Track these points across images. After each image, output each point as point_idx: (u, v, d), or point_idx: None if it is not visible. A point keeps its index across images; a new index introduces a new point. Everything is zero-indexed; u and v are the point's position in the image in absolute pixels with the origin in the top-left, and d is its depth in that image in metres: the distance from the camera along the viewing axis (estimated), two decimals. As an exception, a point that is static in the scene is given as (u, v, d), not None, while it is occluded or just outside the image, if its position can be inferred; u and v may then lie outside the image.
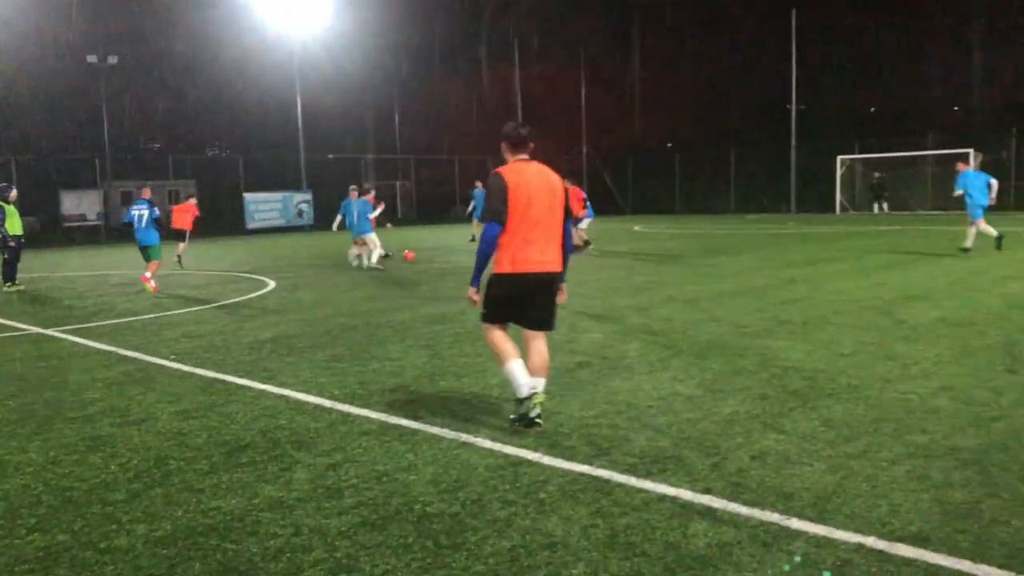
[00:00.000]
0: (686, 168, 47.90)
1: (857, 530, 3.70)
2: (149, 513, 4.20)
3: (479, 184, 18.84)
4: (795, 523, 3.80)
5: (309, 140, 39.68)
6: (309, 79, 40.57)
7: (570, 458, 4.80)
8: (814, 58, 48.25)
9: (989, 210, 16.79)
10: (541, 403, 5.33)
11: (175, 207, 20.93)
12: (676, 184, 47.94)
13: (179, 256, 19.30)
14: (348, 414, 5.93)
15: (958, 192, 16.71)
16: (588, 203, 19.81)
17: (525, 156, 5.54)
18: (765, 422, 5.37)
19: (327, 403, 6.25)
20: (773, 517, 3.87)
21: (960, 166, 17.18)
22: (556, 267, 5.47)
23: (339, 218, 19.24)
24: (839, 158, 39.59)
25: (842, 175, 40.16)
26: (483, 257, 5.39)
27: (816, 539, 3.64)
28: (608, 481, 4.42)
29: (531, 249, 5.33)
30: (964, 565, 3.35)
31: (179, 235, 19.64)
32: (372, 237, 17.41)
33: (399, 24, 51.82)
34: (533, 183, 5.37)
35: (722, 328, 8.82)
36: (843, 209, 39.55)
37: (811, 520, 3.83)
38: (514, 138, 5.54)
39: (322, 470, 4.76)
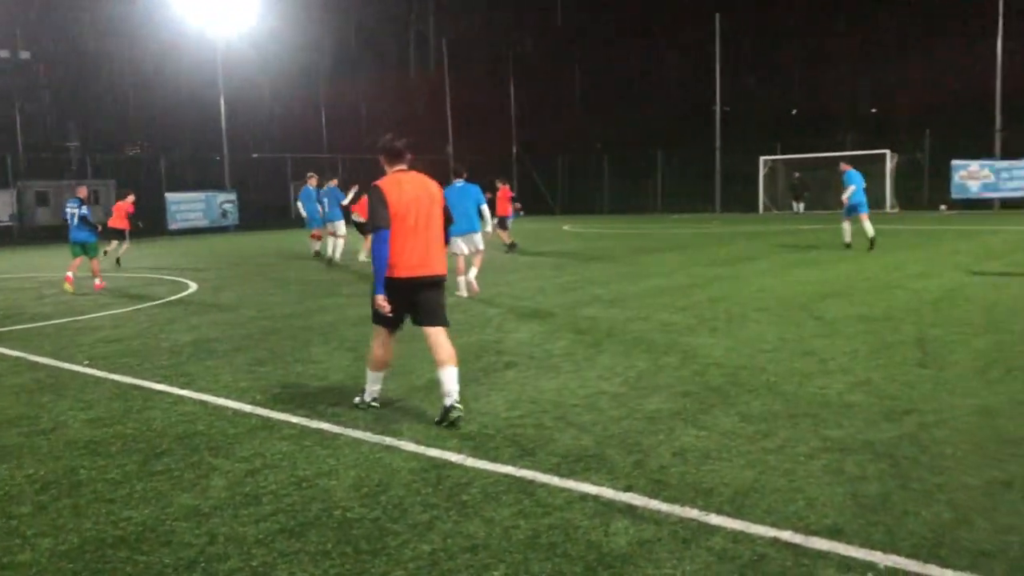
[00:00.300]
0: (614, 168, 48.43)
1: (774, 524, 3.77)
2: (56, 526, 4.04)
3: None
4: (714, 519, 3.85)
5: (233, 139, 38.90)
6: (233, 77, 39.78)
7: (494, 459, 4.78)
8: (738, 61, 49.24)
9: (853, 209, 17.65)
10: (452, 417, 5.50)
11: (115, 206, 20.35)
12: (605, 184, 48.40)
13: (118, 257, 19.25)
14: (269, 419, 5.82)
15: (850, 189, 17.55)
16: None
17: (403, 166, 5.81)
18: (687, 419, 5.44)
19: (247, 408, 6.11)
20: (693, 513, 3.92)
21: (843, 166, 18.39)
22: (439, 270, 5.78)
23: (299, 205, 19.33)
24: (762, 159, 40.49)
25: (765, 175, 41.08)
26: (381, 264, 5.59)
27: (734, 534, 3.69)
28: (531, 481, 4.41)
29: (413, 255, 5.61)
30: (876, 556, 3.43)
31: (118, 235, 19.39)
32: (341, 225, 17.64)
33: (326, 22, 51.24)
34: (411, 192, 5.65)
35: (647, 326, 8.92)
36: (766, 209, 40.45)
37: (729, 515, 3.88)
38: (391, 150, 5.81)
39: (240, 476, 4.65)
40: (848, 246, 17.40)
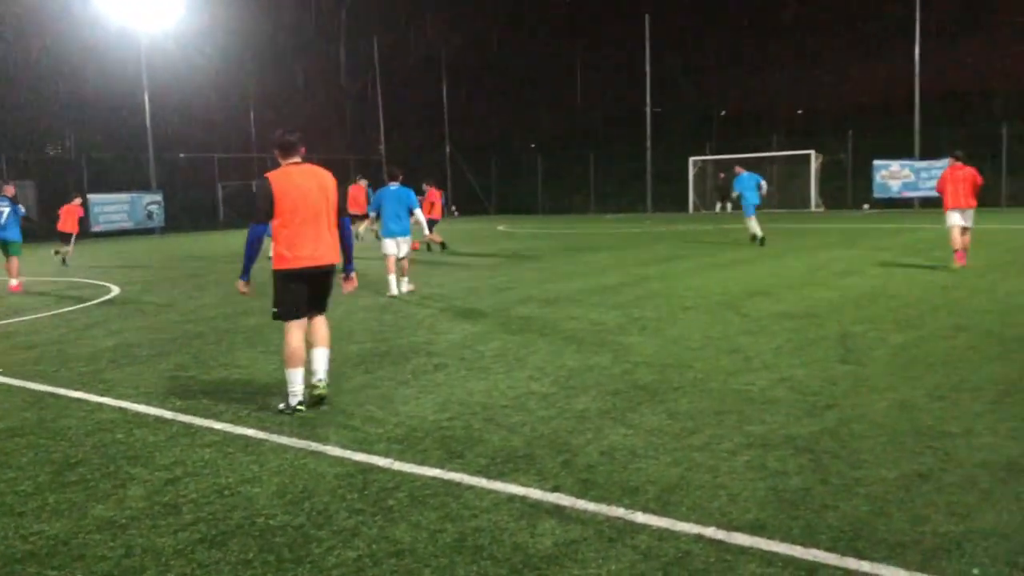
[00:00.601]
0: (548, 169, 48.66)
1: (698, 521, 3.80)
2: (-40, 542, 3.87)
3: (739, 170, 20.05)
4: (640, 517, 3.87)
5: (159, 139, 37.95)
6: (158, 75, 38.81)
7: (422, 462, 4.74)
8: (669, 62, 49.90)
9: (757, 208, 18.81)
10: (321, 393, 5.94)
11: (62, 209, 20.74)
12: (539, 184, 48.59)
13: (64, 258, 19.79)
14: (191, 425, 5.67)
15: (735, 193, 19.06)
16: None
17: (296, 160, 6.05)
18: (615, 417, 5.47)
19: (169, 415, 5.95)
20: (619, 512, 3.93)
21: (737, 169, 19.54)
22: (330, 260, 6.05)
23: None
24: (691, 159, 41.11)
25: (694, 175, 41.73)
26: (249, 253, 5.99)
27: (659, 532, 3.71)
28: (459, 484, 4.38)
29: (303, 245, 5.88)
30: (796, 551, 3.49)
31: (64, 237, 19.99)
32: None
33: (254, 20, 50.33)
34: (301, 185, 5.90)
35: (579, 326, 8.96)
36: (696, 209, 41.10)
37: (655, 513, 3.91)
38: (283, 144, 6.06)
39: (159, 486, 4.52)
40: (758, 240, 18.55)
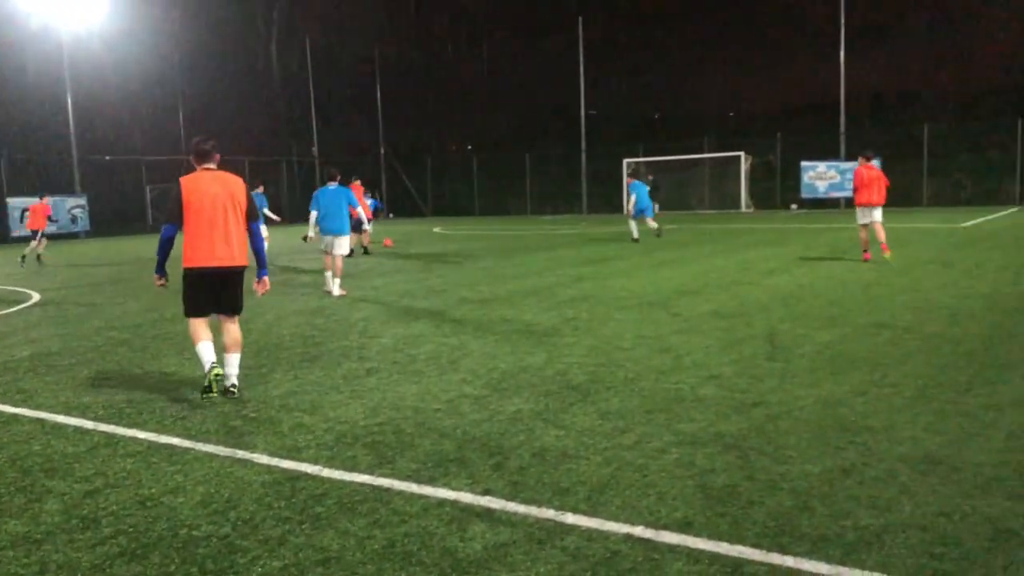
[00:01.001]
0: (484, 170, 48.68)
1: (627, 520, 3.83)
2: None
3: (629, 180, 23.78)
4: (570, 518, 3.88)
5: (83, 141, 36.89)
6: (82, 76, 37.75)
7: (351, 469, 4.67)
8: (604, 65, 50.39)
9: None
10: (218, 375, 6.24)
11: (31, 207, 22.72)
12: (475, 186, 48.58)
13: (38, 255, 21.17)
14: (113, 435, 5.50)
15: (632, 197, 21.85)
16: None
17: (210, 166, 6.45)
18: (548, 418, 5.47)
19: (89, 424, 5.76)
20: (549, 514, 3.93)
21: (629, 179, 21.41)
22: (236, 262, 6.35)
23: None
24: (625, 161, 41.56)
25: (628, 176, 42.15)
26: (161, 252, 6.43)
27: (588, 532, 3.72)
28: (389, 490, 4.33)
29: (209, 246, 6.23)
30: (722, 547, 3.53)
31: (33, 235, 21.45)
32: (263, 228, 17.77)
33: (184, 19, 49.29)
34: (210, 190, 6.25)
35: (512, 327, 8.96)
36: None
37: (585, 514, 3.92)
38: (198, 151, 6.46)
39: (78, 498, 4.37)
40: (636, 241, 21.12)
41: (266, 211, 18.73)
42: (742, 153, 39.70)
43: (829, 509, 3.88)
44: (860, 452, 4.64)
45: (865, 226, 14.25)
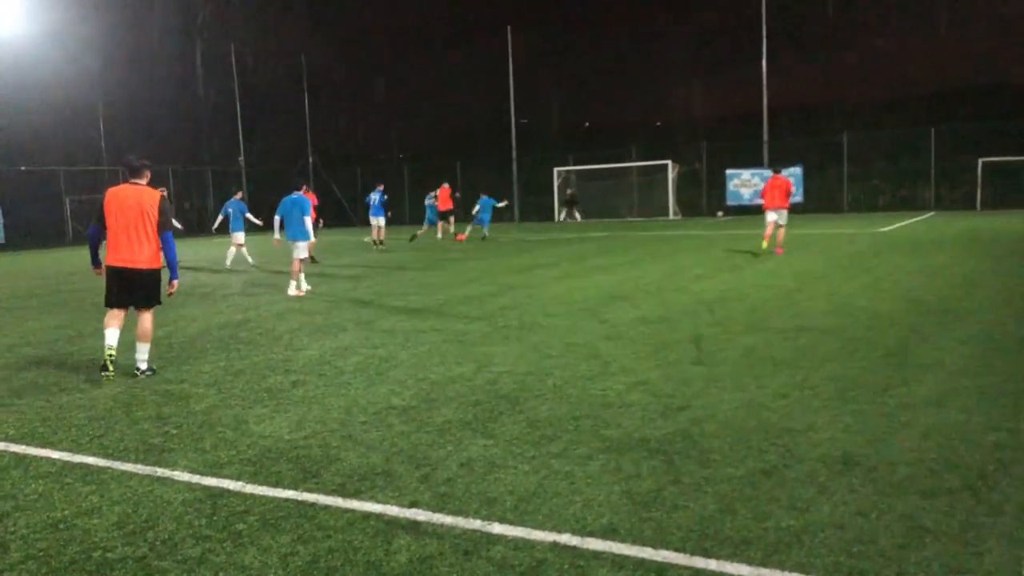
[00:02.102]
0: (415, 179, 48.47)
1: (554, 528, 3.83)
2: None
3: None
4: (496, 528, 3.87)
5: (-4, 150, 35.62)
6: (-5, 83, 36.47)
7: (275, 484, 4.58)
8: (535, 74, 50.77)
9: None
10: (111, 355, 7.39)
11: None
12: (406, 194, 48.33)
13: None
14: (24, 456, 5.30)
15: (476, 208, 27.08)
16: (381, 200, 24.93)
17: (137, 180, 7.49)
18: (476, 428, 5.45)
19: (0, 445, 5.54)
20: (476, 524, 3.91)
21: (483, 195, 23.63)
22: (143, 264, 7.36)
23: (220, 217, 21.28)
24: (555, 170, 41.83)
25: (559, 186, 42.46)
26: (91, 248, 7.71)
27: (515, 541, 3.71)
28: (313, 504, 4.26)
29: (120, 249, 7.32)
30: (647, 552, 3.56)
31: None
32: (241, 235, 19.83)
33: (105, 26, 47.99)
34: (124, 201, 7.32)
35: (442, 337, 8.92)
36: (560, 218, 41.80)
37: (511, 523, 3.91)
38: (129, 166, 7.58)
39: (-15, 524, 4.19)
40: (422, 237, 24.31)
41: (248, 216, 20.31)
42: (669, 162, 40.33)
43: (751, 511, 3.95)
44: (781, 454, 4.73)
45: (771, 223, 17.56)
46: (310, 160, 50.00)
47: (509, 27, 44.16)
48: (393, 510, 4.14)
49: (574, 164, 43.44)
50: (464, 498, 4.25)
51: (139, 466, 4.99)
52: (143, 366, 7.49)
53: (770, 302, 10.48)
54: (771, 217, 17.49)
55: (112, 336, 7.42)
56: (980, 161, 36.32)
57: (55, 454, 5.31)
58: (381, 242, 24.74)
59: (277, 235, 13.72)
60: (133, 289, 7.44)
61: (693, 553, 3.53)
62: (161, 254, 7.48)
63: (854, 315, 9.28)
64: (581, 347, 8.05)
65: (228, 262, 19.88)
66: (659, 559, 3.49)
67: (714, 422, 5.39)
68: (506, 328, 9.32)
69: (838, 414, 5.48)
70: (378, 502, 4.25)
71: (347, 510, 4.17)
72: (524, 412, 5.80)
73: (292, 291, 13.23)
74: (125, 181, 7.60)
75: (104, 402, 6.61)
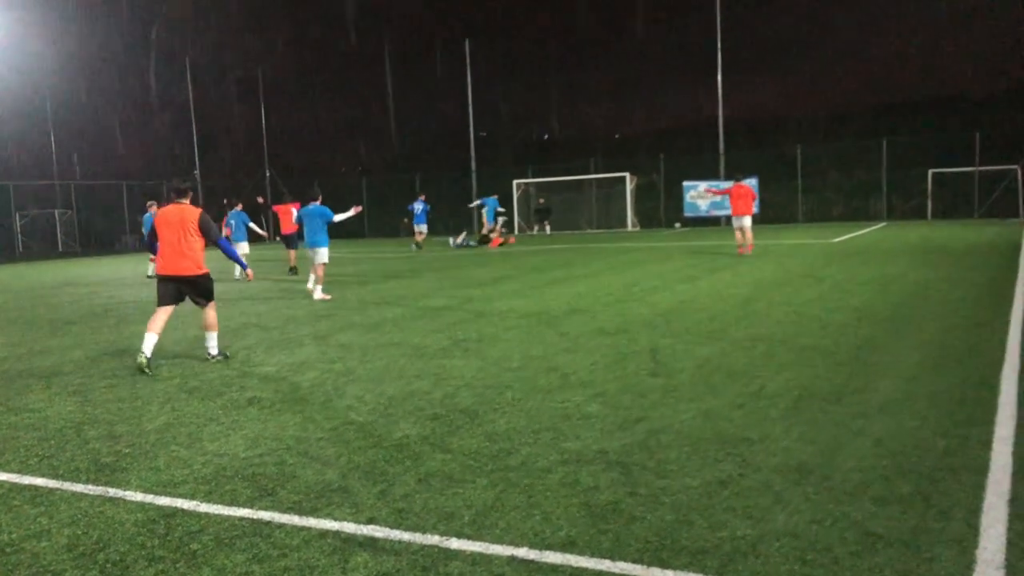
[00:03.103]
0: (373, 192, 48.29)
1: (512, 542, 3.82)
2: None
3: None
4: (454, 543, 3.85)
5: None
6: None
7: (230, 503, 4.52)
8: (494, 88, 50.94)
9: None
10: (148, 365, 8.25)
11: None
12: (364, 208, 48.14)
13: None
14: (-30, 479, 5.16)
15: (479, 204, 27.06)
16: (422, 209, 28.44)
17: (180, 200, 8.76)
18: (434, 443, 5.43)
19: (-56, 468, 5.39)
20: (434, 540, 3.89)
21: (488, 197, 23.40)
22: (188, 271, 8.60)
23: (225, 229, 21.11)
24: (515, 182, 41.96)
25: (519, 198, 42.56)
26: (151, 249, 9.32)
27: (473, 556, 3.70)
28: (269, 523, 4.21)
29: (167, 260, 8.59)
30: (604, 564, 3.56)
31: None
32: (244, 245, 20.68)
33: (56, 39, 47.25)
34: (171, 220, 8.57)
35: (401, 351, 8.87)
36: (521, 230, 41.88)
37: (470, 538, 3.89)
38: (174, 190, 8.94)
39: (-72, 550, 4.07)
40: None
41: (251, 225, 21.17)
42: (627, 174, 40.65)
43: (707, 521, 3.98)
44: (737, 464, 4.77)
45: (739, 230, 20.13)
46: (267, 174, 49.58)
47: (467, 40, 44.31)
48: (350, 527, 4.10)
49: (533, 176, 43.61)
50: (422, 513, 4.22)
51: (90, 486, 4.88)
52: (214, 351, 8.81)
53: (726, 312, 10.59)
54: (739, 223, 20.08)
55: (150, 341, 8.34)
56: (930, 172, 37.15)
57: (2, 476, 5.18)
58: (419, 246, 28.73)
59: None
60: (189, 292, 8.70)
61: (650, 564, 3.54)
62: (204, 257, 8.78)
63: (809, 324, 9.41)
64: (540, 359, 8.06)
65: (237, 274, 19.23)
66: (617, 571, 3.50)
67: (671, 433, 5.42)
68: (465, 341, 9.30)
69: (793, 423, 5.55)
70: (335, 519, 4.20)
71: (303, 528, 4.12)
72: (483, 426, 5.78)
73: (318, 295, 14.40)
74: (170, 202, 8.83)
75: (55, 422, 6.47)
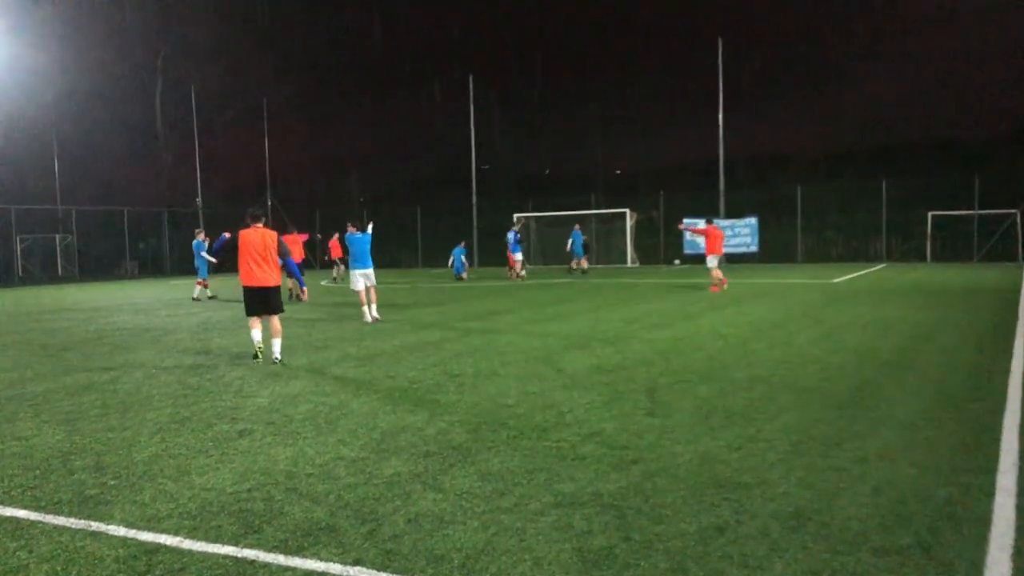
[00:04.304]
0: (375, 222, 48.43)
1: (502, 588, 3.71)
2: None
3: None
4: (443, 588, 3.74)
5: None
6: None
7: (215, 539, 4.41)
8: (494, 122, 51.23)
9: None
10: (260, 348, 10.72)
11: None
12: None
13: None
14: (-49, 509, 5.05)
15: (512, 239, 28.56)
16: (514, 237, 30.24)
17: (257, 225, 10.69)
18: (426, 481, 5.33)
19: (-75, 498, 5.29)
20: (421, 584, 3.79)
21: (353, 226, 22.69)
22: (270, 283, 10.70)
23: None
24: (515, 215, 42.04)
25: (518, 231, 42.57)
26: (216, 248, 11.68)
27: (461, 603, 3.59)
28: (253, 562, 4.10)
29: (253, 275, 10.62)
30: (596, 613, 3.46)
31: None
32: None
33: (63, 63, 47.61)
34: (254, 241, 10.59)
35: (396, 384, 8.79)
36: (521, 264, 41.85)
37: (458, 583, 3.79)
38: (251, 216, 10.77)
39: (-98, 583, 3.97)
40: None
41: (204, 254, 22.33)
42: (627, 210, 40.74)
43: (703, 569, 3.87)
44: (734, 509, 4.67)
45: (714, 268, 21.39)
46: (269, 203, 49.69)
47: (471, 75, 44.63)
48: (336, 568, 3.99)
49: (533, 211, 43.70)
50: (410, 555, 4.12)
51: (72, 519, 4.78)
52: (278, 356, 10.43)
53: (725, 352, 10.51)
54: (714, 262, 21.53)
55: (257, 334, 10.71)
56: (930, 215, 37.23)
57: (-16, 506, 5.08)
58: (520, 275, 29.97)
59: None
60: (265, 300, 10.61)
61: (643, 615, 3.44)
62: (281, 273, 10.92)
63: (808, 366, 9.33)
64: (536, 396, 7.97)
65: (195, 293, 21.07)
66: (609, 621, 3.39)
67: (667, 476, 5.33)
68: (461, 376, 9.21)
69: (791, 468, 5.45)
70: (321, 559, 4.10)
71: (288, 568, 4.02)
72: (476, 464, 5.69)
73: (373, 315, 15.58)
74: (246, 226, 10.64)
75: (41, 451, 6.37)
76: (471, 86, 44.68)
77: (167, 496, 5.17)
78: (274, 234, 10.66)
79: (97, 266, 42.71)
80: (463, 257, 31.64)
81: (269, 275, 10.56)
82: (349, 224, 16.65)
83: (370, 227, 16.50)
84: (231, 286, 14.09)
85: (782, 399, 7.61)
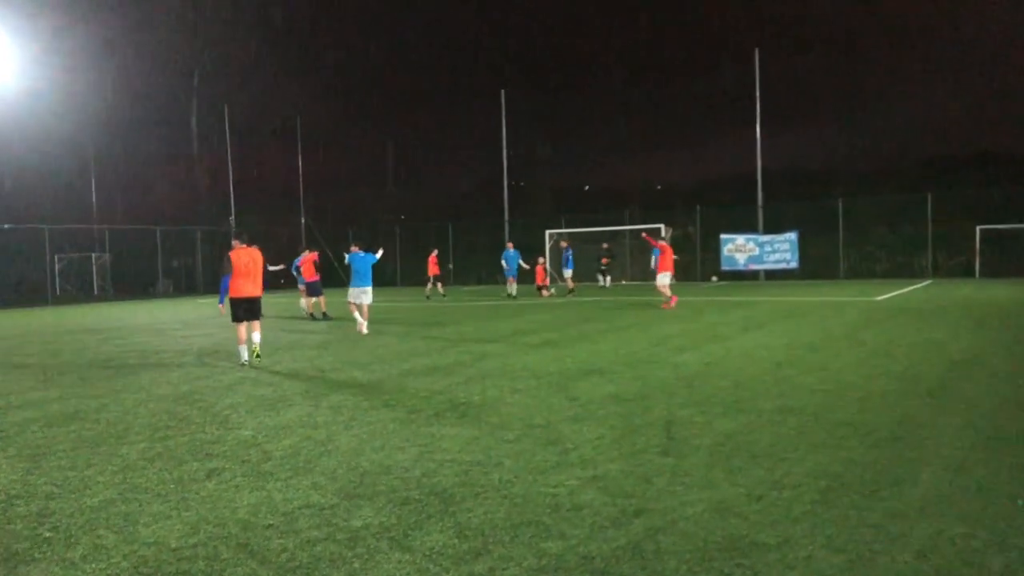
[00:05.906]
0: (408, 240, 48.13)
1: None
2: None
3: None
4: None
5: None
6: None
7: (134, 612, 3.78)
8: (531, 138, 50.80)
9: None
10: (258, 354, 12.37)
11: None
12: (397, 256, 47.88)
13: None
14: None
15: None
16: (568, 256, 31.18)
17: (245, 245, 12.55)
18: (394, 537, 4.66)
19: None
20: None
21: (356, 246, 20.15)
22: (256, 294, 12.46)
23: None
24: (547, 232, 41.41)
25: (550, 248, 41.90)
26: (222, 292, 14.09)
27: None
28: (167, 645, 3.46)
29: (243, 287, 12.31)
30: None
31: None
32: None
33: (100, 84, 48.12)
34: (245, 259, 12.31)
35: (393, 415, 8.14)
36: (552, 280, 41.13)
37: None
38: (234, 235, 12.72)
39: None
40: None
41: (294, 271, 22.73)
42: (662, 225, 39.81)
43: (701, 667, 3.15)
44: (747, 580, 3.94)
45: (664, 286, 21.44)
46: (303, 221, 49.63)
47: (503, 90, 44.23)
48: (261, 656, 3.34)
49: (567, 227, 43.01)
50: (353, 639, 3.45)
51: (-13, 582, 4.19)
52: (256, 341, 12.36)
53: (755, 378, 9.72)
54: (666, 280, 21.57)
55: (243, 350, 12.29)
56: (978, 228, 35.84)
57: (-100, 563, 4.51)
58: (571, 290, 30.95)
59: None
60: (249, 309, 12.32)
61: None
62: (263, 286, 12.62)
63: (845, 395, 8.52)
64: (541, 429, 7.27)
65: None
66: None
67: (673, 532, 4.60)
68: (465, 405, 8.54)
69: (818, 523, 4.69)
70: (246, 643, 3.45)
71: (206, 654, 3.37)
72: (456, 515, 5.00)
73: (365, 329, 16.64)
74: (232, 249, 12.48)
75: (-13, 493, 5.81)
76: (503, 100, 44.25)
77: (102, 553, 4.56)
78: (258, 251, 12.63)
79: (132, 285, 42.83)
80: (520, 261, 30.50)
81: (255, 287, 12.47)
82: (353, 245, 17.48)
83: (379, 252, 17.51)
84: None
85: (814, 435, 6.83)
